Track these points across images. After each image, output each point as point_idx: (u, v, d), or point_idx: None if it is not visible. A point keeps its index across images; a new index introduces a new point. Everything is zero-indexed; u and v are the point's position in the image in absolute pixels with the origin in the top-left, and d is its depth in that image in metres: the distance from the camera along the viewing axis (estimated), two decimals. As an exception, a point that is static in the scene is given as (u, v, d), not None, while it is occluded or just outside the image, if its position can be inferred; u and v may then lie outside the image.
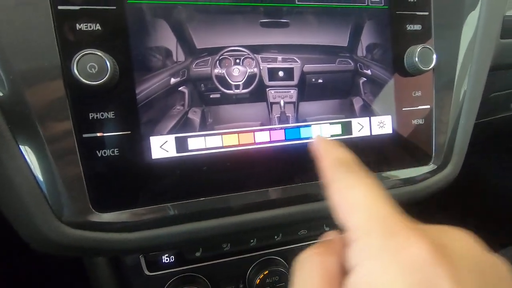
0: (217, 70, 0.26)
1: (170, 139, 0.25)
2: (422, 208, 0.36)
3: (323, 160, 0.18)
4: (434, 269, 0.12)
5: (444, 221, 0.16)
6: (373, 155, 0.31)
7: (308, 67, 0.28)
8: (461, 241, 0.14)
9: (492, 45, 0.34)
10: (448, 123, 0.33)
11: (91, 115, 0.23)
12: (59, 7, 0.22)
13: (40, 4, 0.22)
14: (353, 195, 0.15)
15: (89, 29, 0.23)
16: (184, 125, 0.25)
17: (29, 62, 0.22)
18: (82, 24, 0.22)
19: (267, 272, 0.36)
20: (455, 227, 0.15)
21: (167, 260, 0.34)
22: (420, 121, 0.32)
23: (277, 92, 0.28)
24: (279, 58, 0.27)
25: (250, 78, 0.27)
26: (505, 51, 0.37)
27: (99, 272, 0.33)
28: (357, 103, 0.30)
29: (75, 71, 0.21)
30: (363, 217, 0.14)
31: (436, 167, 0.33)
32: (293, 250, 0.38)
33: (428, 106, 0.32)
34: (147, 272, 0.34)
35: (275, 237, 0.37)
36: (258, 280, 0.36)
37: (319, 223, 0.39)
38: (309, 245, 0.32)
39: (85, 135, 0.23)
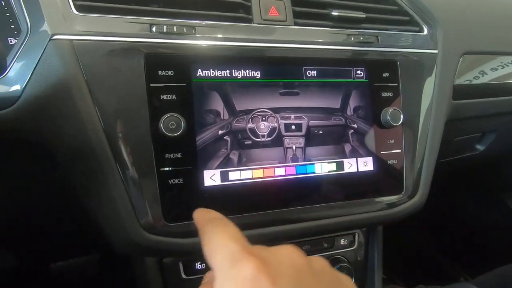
0: (250, 125, 0.37)
1: (217, 172, 0.36)
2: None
3: (200, 222, 0.25)
4: (259, 280, 0.16)
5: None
6: (359, 186, 0.42)
7: (312, 122, 0.40)
8: (284, 255, 0.19)
9: (445, 105, 0.46)
10: (415, 163, 0.44)
11: (167, 155, 0.34)
12: (151, 85, 0.34)
13: (139, 83, 0.33)
14: (214, 241, 0.20)
15: (169, 98, 0.34)
16: (226, 162, 0.36)
17: (127, 120, 0.33)
18: (164, 95, 0.34)
19: None
20: (286, 245, 0.20)
21: (199, 267, 0.43)
22: (394, 161, 0.43)
23: (290, 140, 0.39)
24: (292, 116, 0.39)
25: (272, 130, 0.38)
26: (457, 109, 0.50)
27: (147, 274, 0.42)
28: (347, 148, 0.41)
29: (161, 127, 0.32)
30: (219, 257, 0.19)
31: (407, 196, 0.44)
32: None
33: (399, 150, 0.43)
34: (183, 276, 0.43)
35: None
36: None
37: (319, 240, 0.49)
38: None
39: (162, 169, 0.33)
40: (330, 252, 0.49)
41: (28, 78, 0.31)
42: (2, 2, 0.39)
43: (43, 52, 0.31)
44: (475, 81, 0.52)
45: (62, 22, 0.31)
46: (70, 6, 0.32)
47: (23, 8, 0.33)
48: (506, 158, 0.80)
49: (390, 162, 0.43)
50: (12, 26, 0.39)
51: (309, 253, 0.48)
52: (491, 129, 0.64)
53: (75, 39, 0.31)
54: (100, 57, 0.32)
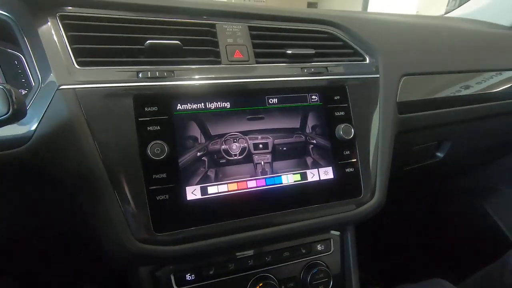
0: (223, 146, 0.45)
1: (197, 188, 0.42)
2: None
3: None
4: None
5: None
6: (323, 192, 0.48)
7: (277, 141, 0.47)
8: None
9: (391, 119, 0.54)
10: (370, 170, 0.51)
11: (154, 176, 0.40)
12: (139, 119, 0.41)
13: (129, 118, 0.41)
14: None
15: (154, 129, 0.42)
16: (205, 179, 0.43)
17: (121, 149, 0.40)
18: (150, 127, 0.41)
19: (261, 284, 0.50)
20: None
21: (189, 278, 0.48)
22: (351, 169, 0.50)
23: (259, 156, 0.46)
24: (259, 137, 0.47)
25: (243, 149, 0.45)
26: (404, 121, 0.58)
27: (142, 285, 0.46)
28: (309, 160, 0.48)
29: (148, 152, 0.40)
30: None
31: (365, 198, 0.50)
32: (279, 268, 0.52)
33: (355, 160, 0.51)
34: (175, 287, 0.47)
35: (266, 258, 0.52)
36: None
37: (298, 247, 0.54)
38: (291, 263, 0.48)
39: (150, 187, 0.40)
40: (308, 258, 0.54)
41: (39, 121, 0.38)
42: (15, 61, 0.48)
43: (51, 100, 0.39)
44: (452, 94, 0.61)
45: (67, 75, 0.39)
46: (73, 62, 0.41)
47: (35, 65, 0.41)
48: (470, 164, 0.88)
49: (347, 170, 0.50)
50: (23, 80, 0.48)
51: (289, 259, 0.53)
52: (445, 137, 0.72)
53: (77, 88, 0.39)
54: (98, 100, 0.40)
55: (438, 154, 0.75)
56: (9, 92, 0.30)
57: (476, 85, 0.67)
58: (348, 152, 0.51)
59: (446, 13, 1.18)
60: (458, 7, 1.13)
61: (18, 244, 0.51)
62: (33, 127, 0.38)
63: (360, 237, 0.59)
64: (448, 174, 0.92)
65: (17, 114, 0.30)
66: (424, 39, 0.64)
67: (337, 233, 0.57)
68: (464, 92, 0.65)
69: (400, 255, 1.05)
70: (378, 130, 0.53)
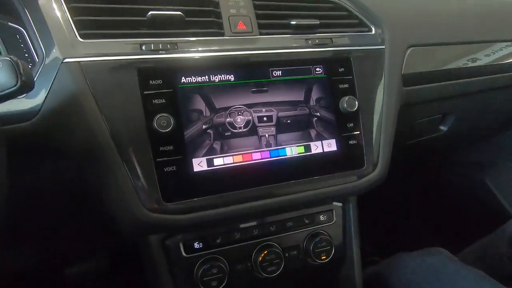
0: (228, 119, 0.45)
1: (204, 159, 0.43)
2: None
3: None
4: None
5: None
6: (326, 164, 0.49)
7: (281, 114, 0.48)
8: None
9: (395, 92, 0.54)
10: (373, 142, 0.52)
11: (161, 148, 0.41)
12: (144, 92, 0.41)
13: (134, 91, 0.41)
14: None
15: (159, 102, 0.42)
16: (211, 151, 0.44)
17: (128, 123, 0.41)
18: (156, 100, 0.42)
19: (266, 252, 0.52)
20: None
21: (197, 246, 0.50)
22: (354, 141, 0.51)
23: (263, 129, 0.47)
24: (263, 109, 0.47)
25: (247, 122, 0.46)
26: (409, 94, 0.58)
27: (153, 255, 0.49)
28: (313, 133, 0.49)
29: (155, 125, 0.40)
30: None
31: (368, 170, 0.51)
32: (283, 237, 0.55)
33: (358, 132, 0.51)
34: (184, 254, 0.50)
35: (270, 228, 0.54)
36: (260, 258, 0.52)
37: (301, 217, 0.56)
38: (294, 233, 0.50)
39: (158, 159, 0.41)
40: (311, 228, 0.56)
41: (45, 95, 0.39)
42: (17, 35, 0.47)
43: (56, 73, 0.39)
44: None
45: (70, 48, 0.39)
46: (76, 35, 0.40)
47: (39, 39, 0.41)
48: (472, 138, 0.88)
49: (351, 142, 0.51)
50: (26, 55, 0.48)
51: (292, 228, 0.55)
52: (449, 111, 0.72)
53: (82, 61, 0.39)
54: (103, 73, 0.40)
55: (442, 127, 0.75)
56: (16, 64, 0.30)
57: (484, 57, 0.65)
58: (351, 125, 0.51)
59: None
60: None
61: (32, 215, 0.53)
62: (40, 101, 0.39)
63: (362, 209, 0.61)
64: (450, 148, 0.92)
65: (25, 86, 0.31)
66: (432, 9, 0.63)
67: (340, 204, 0.58)
68: (471, 64, 0.64)
69: (401, 226, 1.08)
70: (382, 102, 0.53)
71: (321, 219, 0.57)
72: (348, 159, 0.51)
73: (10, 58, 0.30)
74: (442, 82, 0.62)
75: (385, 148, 0.53)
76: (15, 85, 0.30)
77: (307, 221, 0.56)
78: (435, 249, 0.62)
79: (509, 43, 0.69)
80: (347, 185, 0.50)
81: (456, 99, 0.68)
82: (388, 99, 0.53)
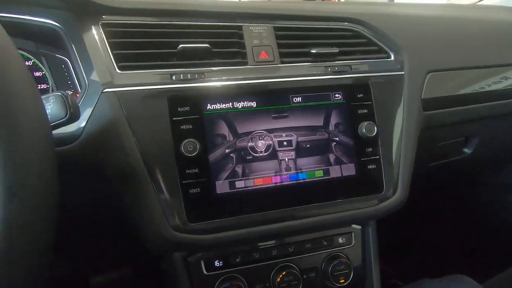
0: (250, 144, 0.47)
1: (226, 182, 0.46)
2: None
3: None
4: None
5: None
6: (345, 188, 0.50)
7: (300, 138, 0.49)
8: None
9: (415, 117, 0.54)
10: (392, 167, 0.52)
11: (187, 171, 0.44)
12: (173, 118, 0.45)
13: (164, 117, 0.44)
14: None
15: (186, 128, 0.45)
16: (233, 174, 0.46)
17: (158, 147, 0.44)
18: (183, 126, 0.45)
19: (284, 273, 0.53)
20: None
21: (218, 264, 0.52)
22: (373, 166, 0.52)
23: (283, 153, 0.49)
24: (284, 134, 0.49)
25: (268, 147, 0.48)
26: (430, 118, 0.58)
27: (176, 270, 0.51)
28: (332, 157, 0.50)
29: (182, 149, 0.43)
30: None
31: (387, 195, 0.52)
32: (301, 258, 0.55)
33: (377, 157, 0.52)
34: (205, 272, 0.51)
35: (289, 249, 0.55)
36: (279, 278, 0.53)
37: (319, 239, 0.57)
38: (313, 254, 0.51)
39: (184, 182, 0.44)
40: (330, 250, 0.57)
41: (86, 121, 0.43)
42: (63, 65, 0.53)
43: (97, 101, 0.43)
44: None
45: (110, 79, 0.44)
46: (115, 67, 0.45)
47: (82, 70, 0.46)
48: (500, 160, 0.85)
49: (369, 167, 0.51)
50: (69, 82, 0.53)
51: (311, 250, 0.56)
52: (472, 133, 0.71)
53: (119, 90, 0.43)
54: (137, 101, 0.44)
55: (466, 150, 0.74)
56: (66, 98, 0.34)
57: (505, 80, 0.64)
58: (370, 149, 0.52)
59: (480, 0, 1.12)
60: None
61: (69, 228, 0.57)
62: (82, 127, 0.43)
63: (383, 231, 0.60)
64: (476, 170, 0.89)
65: (73, 117, 0.35)
66: (451, 34, 0.63)
67: (359, 227, 0.58)
68: (493, 87, 0.64)
69: (424, 249, 1.05)
70: (401, 127, 0.53)
71: (339, 241, 0.58)
72: (367, 183, 0.51)
73: (61, 93, 0.34)
74: (463, 106, 0.61)
75: (405, 172, 0.53)
76: (65, 117, 0.34)
77: (325, 243, 0.57)
78: (459, 277, 0.60)
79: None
80: (366, 209, 0.51)
81: (479, 122, 0.67)
82: (407, 124, 0.54)
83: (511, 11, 0.92)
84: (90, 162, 0.44)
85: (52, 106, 0.34)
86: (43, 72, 0.53)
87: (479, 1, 1.11)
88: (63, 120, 0.34)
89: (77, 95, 0.52)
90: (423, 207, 0.91)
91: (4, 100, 0.24)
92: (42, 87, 0.53)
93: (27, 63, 0.52)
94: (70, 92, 0.53)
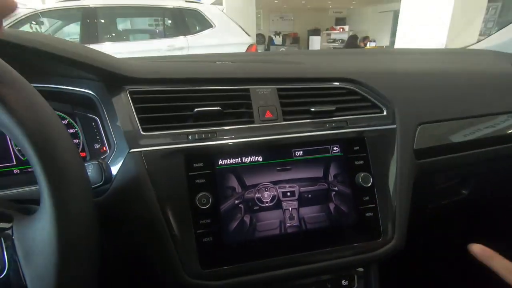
0: (257, 195, 0.53)
1: (236, 231, 0.51)
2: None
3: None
4: None
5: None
6: (346, 235, 0.54)
7: (302, 189, 0.55)
8: None
9: (408, 166, 0.59)
10: (389, 214, 0.57)
11: (201, 221, 0.49)
12: (189, 173, 0.51)
13: (181, 173, 0.51)
14: None
15: (200, 182, 0.51)
16: (242, 224, 0.51)
17: (175, 200, 0.50)
18: (198, 180, 0.51)
19: None
20: None
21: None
22: (371, 214, 0.56)
23: (287, 203, 0.54)
24: (287, 186, 0.54)
25: (273, 197, 0.53)
26: (423, 166, 0.63)
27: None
28: (331, 206, 0.55)
29: (197, 202, 0.49)
30: None
31: (385, 241, 0.55)
32: None
33: (374, 205, 0.56)
34: None
35: None
36: None
37: (323, 282, 0.60)
38: None
39: (198, 231, 0.49)
40: (334, 292, 0.60)
41: (114, 177, 0.49)
42: (93, 123, 0.60)
43: (123, 161, 0.50)
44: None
45: (135, 140, 0.50)
46: (139, 129, 0.52)
47: (111, 130, 0.53)
48: (500, 199, 0.88)
49: (367, 214, 0.56)
50: (98, 137, 0.60)
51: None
52: (468, 175, 0.75)
53: (143, 150, 0.50)
54: (158, 159, 0.50)
55: (463, 191, 0.77)
56: (101, 165, 0.41)
57: (494, 127, 0.69)
58: (367, 198, 0.56)
59: (478, 42, 1.19)
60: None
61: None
62: (110, 182, 0.49)
63: (386, 271, 0.63)
64: (478, 210, 0.92)
65: (107, 181, 0.41)
66: (439, 87, 0.69)
67: (361, 269, 0.62)
68: (483, 135, 0.69)
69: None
70: (395, 176, 0.58)
71: (343, 283, 0.61)
72: (365, 230, 0.56)
73: (97, 161, 0.41)
74: (455, 154, 0.66)
75: (401, 219, 0.57)
76: (101, 182, 0.40)
77: (329, 286, 0.60)
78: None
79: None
80: (366, 254, 0.55)
81: (473, 165, 0.71)
82: (401, 174, 0.58)
83: (498, 55, 0.99)
84: (114, 215, 0.50)
85: (91, 173, 0.40)
86: (76, 130, 0.60)
87: (471, 45, 1.18)
88: (99, 184, 0.40)
89: (104, 148, 0.59)
90: (428, 247, 0.93)
91: (60, 169, 0.29)
92: (75, 142, 0.61)
93: (63, 122, 0.60)
94: (97, 146, 0.60)
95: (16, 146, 0.57)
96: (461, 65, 0.84)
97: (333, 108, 0.59)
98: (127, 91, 0.54)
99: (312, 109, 0.59)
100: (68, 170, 0.30)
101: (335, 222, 0.55)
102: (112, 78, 0.53)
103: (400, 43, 2.93)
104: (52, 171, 0.28)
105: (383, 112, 0.63)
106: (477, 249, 0.40)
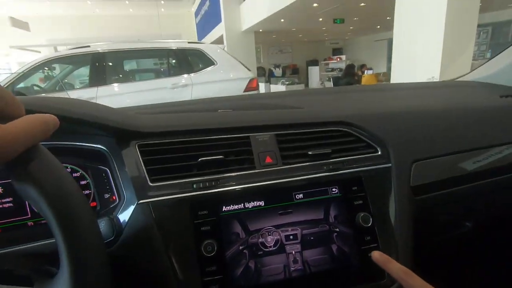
0: (260, 240, 0.55)
1: (241, 277, 0.52)
2: None
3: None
4: None
5: None
6: (349, 277, 0.55)
7: (304, 232, 0.56)
8: None
9: (406, 203, 0.61)
10: (392, 253, 0.57)
11: (207, 269, 0.51)
12: (195, 221, 0.53)
13: (186, 221, 0.53)
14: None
15: (205, 229, 0.53)
16: (247, 269, 0.52)
17: (181, 248, 0.52)
18: (203, 227, 0.53)
19: None
20: None
21: None
22: (373, 254, 0.57)
23: (290, 246, 0.55)
24: (289, 229, 0.56)
25: (276, 241, 0.55)
26: (422, 202, 0.64)
27: None
28: (334, 247, 0.56)
29: (202, 250, 0.51)
30: None
31: (389, 281, 0.56)
32: None
33: (376, 244, 0.57)
34: None
35: None
36: None
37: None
38: None
39: (204, 279, 0.50)
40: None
41: (124, 227, 0.52)
42: (103, 174, 0.64)
43: (132, 211, 0.52)
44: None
45: (144, 192, 0.54)
46: (147, 180, 0.55)
47: (121, 181, 0.56)
48: (507, 230, 0.88)
49: (370, 254, 0.57)
50: (107, 187, 0.63)
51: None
52: (469, 207, 0.75)
53: (151, 201, 0.53)
54: (165, 208, 0.53)
55: (467, 223, 0.78)
56: (112, 221, 0.43)
57: (488, 160, 0.72)
58: (369, 238, 0.58)
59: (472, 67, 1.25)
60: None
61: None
62: (120, 232, 0.52)
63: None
64: (485, 241, 0.91)
65: (118, 235, 0.44)
66: (431, 124, 0.72)
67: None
68: (477, 168, 0.71)
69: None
70: (395, 214, 0.60)
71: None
72: (368, 271, 0.56)
73: (109, 217, 0.44)
74: (452, 188, 0.68)
75: (405, 257, 0.57)
76: (112, 236, 0.43)
77: None
78: None
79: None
80: (369, 297, 0.55)
81: (473, 198, 0.73)
82: (400, 211, 0.60)
83: (487, 86, 1.03)
84: (123, 265, 0.52)
85: (103, 228, 0.43)
86: (88, 181, 0.64)
87: (462, 76, 1.24)
88: (111, 239, 0.43)
89: (114, 197, 0.62)
90: (438, 282, 0.91)
91: (74, 226, 0.32)
92: (86, 192, 0.64)
93: (75, 175, 0.63)
94: (107, 195, 0.63)
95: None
96: (451, 101, 0.88)
97: (329, 150, 0.63)
98: (136, 144, 0.58)
99: (310, 153, 0.62)
100: (86, 237, 0.33)
101: (338, 264, 0.55)
102: (123, 133, 0.58)
103: (396, 73, 3.05)
104: (72, 241, 0.30)
105: (378, 152, 0.65)
106: (376, 255, 0.49)
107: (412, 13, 2.90)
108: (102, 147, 0.60)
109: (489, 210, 0.79)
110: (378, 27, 11.43)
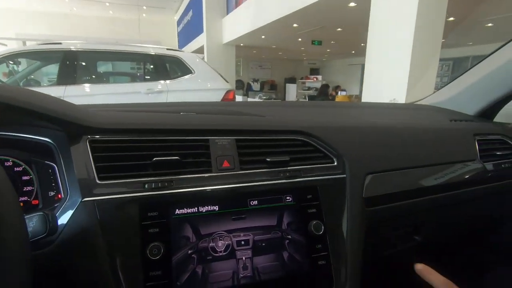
0: (211, 244, 0.53)
1: (186, 283, 0.50)
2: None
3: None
4: None
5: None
6: (300, 284, 0.55)
7: (256, 238, 0.56)
8: None
9: (358, 214, 0.63)
10: (341, 262, 0.58)
11: (151, 273, 0.49)
12: (142, 223, 0.51)
13: (134, 222, 0.51)
14: None
15: (154, 231, 0.51)
16: (193, 275, 0.51)
17: (125, 250, 0.49)
18: (151, 229, 0.51)
19: None
20: None
21: None
22: (323, 262, 0.57)
23: (241, 252, 0.54)
24: (241, 234, 0.55)
25: (227, 246, 0.54)
26: (374, 214, 0.67)
27: None
28: (285, 254, 0.56)
29: (147, 253, 0.48)
30: None
31: (337, 289, 0.56)
32: None
33: (326, 253, 0.58)
34: None
35: None
36: None
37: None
38: None
39: (147, 284, 0.48)
40: None
41: (62, 229, 0.49)
42: (50, 170, 0.60)
43: (75, 210, 0.49)
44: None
45: (89, 189, 0.51)
46: (95, 177, 0.52)
47: (66, 179, 0.53)
48: (454, 245, 0.93)
49: (320, 263, 0.57)
50: (53, 184, 0.59)
51: None
52: (420, 222, 0.79)
53: (97, 199, 0.50)
54: (112, 209, 0.50)
55: (416, 237, 0.81)
56: (46, 217, 0.40)
57: (436, 175, 0.76)
58: (320, 246, 0.58)
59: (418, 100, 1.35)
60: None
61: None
62: (57, 233, 0.48)
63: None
64: (432, 254, 0.95)
65: (52, 232, 0.41)
66: (385, 140, 0.76)
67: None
68: (428, 183, 0.75)
69: None
70: (347, 224, 0.61)
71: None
72: (318, 279, 0.56)
73: (43, 212, 0.41)
74: (403, 201, 0.71)
75: (353, 267, 0.58)
76: (45, 233, 0.40)
77: None
78: None
79: (460, 164, 0.80)
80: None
81: (424, 212, 0.76)
82: (351, 221, 0.62)
83: (439, 110, 1.11)
84: (60, 267, 0.48)
85: (35, 224, 0.40)
86: (31, 176, 0.60)
87: (418, 101, 1.32)
88: (42, 236, 0.40)
89: (60, 195, 0.58)
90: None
91: None
92: (28, 189, 0.60)
93: (17, 169, 0.59)
94: (52, 193, 0.59)
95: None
96: (407, 121, 0.94)
97: (287, 158, 0.64)
98: (87, 140, 0.55)
99: (268, 159, 0.62)
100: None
101: (288, 271, 0.55)
102: (74, 127, 0.55)
103: (366, 95, 3.22)
104: None
105: (334, 163, 0.67)
106: (419, 267, 0.49)
107: (382, 43, 3.12)
108: (49, 141, 0.56)
109: (437, 226, 0.83)
110: (353, 52, 12.06)
